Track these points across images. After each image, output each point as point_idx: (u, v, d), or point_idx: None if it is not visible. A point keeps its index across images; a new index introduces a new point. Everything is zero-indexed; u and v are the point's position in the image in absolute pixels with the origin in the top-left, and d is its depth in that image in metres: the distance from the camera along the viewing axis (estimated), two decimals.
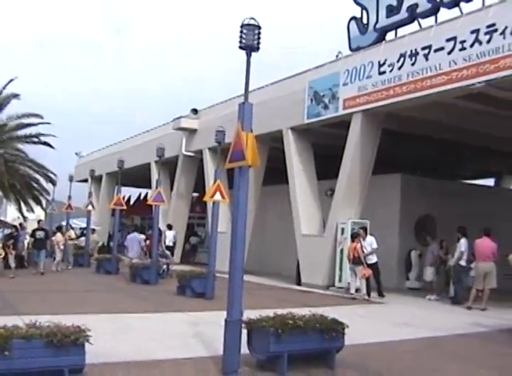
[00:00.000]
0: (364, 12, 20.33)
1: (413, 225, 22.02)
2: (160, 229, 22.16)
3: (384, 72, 17.62)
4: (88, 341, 6.85)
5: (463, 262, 16.98)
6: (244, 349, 7.86)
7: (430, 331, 11.79)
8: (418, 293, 19.08)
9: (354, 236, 17.72)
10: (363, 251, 17.39)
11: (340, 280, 19.16)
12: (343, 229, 19.26)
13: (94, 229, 30.33)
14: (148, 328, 11.00)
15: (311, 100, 20.42)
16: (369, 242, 17.70)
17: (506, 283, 16.49)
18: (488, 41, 14.60)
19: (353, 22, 20.69)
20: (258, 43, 8.19)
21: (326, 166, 20.89)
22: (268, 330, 7.69)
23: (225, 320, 7.82)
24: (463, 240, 17.00)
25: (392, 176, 22.13)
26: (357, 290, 17.41)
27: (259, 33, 8.18)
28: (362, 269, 17.17)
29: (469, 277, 17.13)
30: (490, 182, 33.95)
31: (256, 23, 8.17)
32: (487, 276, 15.92)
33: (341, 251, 19.08)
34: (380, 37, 19.48)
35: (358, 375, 8.17)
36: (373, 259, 17.65)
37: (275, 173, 23.51)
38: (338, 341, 8.21)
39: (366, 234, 18.11)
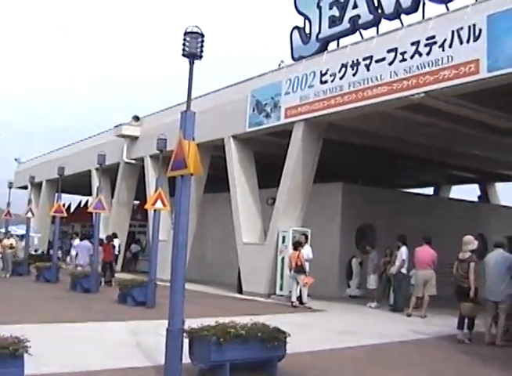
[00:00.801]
0: (307, 22, 20.53)
1: (354, 233, 22.20)
2: (101, 239, 21.84)
3: (326, 82, 17.76)
4: (27, 352, 6.65)
5: (404, 270, 17.21)
6: (186, 358, 7.77)
7: (371, 339, 11.88)
8: (359, 301, 19.23)
9: (296, 245, 17.76)
10: (310, 259, 17.49)
11: (281, 289, 19.15)
12: (284, 238, 19.30)
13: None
14: (89, 337, 10.77)
15: (254, 109, 20.46)
16: (307, 252, 17.74)
17: (446, 291, 16.74)
18: (428, 53, 14.89)
19: (296, 31, 20.87)
20: (201, 51, 8.16)
21: (268, 174, 20.95)
22: (210, 339, 7.61)
23: (167, 329, 7.73)
24: (403, 249, 17.21)
25: (333, 185, 22.29)
26: (298, 298, 17.46)
27: (202, 41, 8.16)
28: (304, 278, 17.24)
29: (409, 285, 17.37)
30: (429, 191, 34.57)
31: (199, 31, 8.14)
32: (427, 284, 16.18)
33: (282, 259, 19.10)
34: (323, 48, 19.71)
35: None
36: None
37: (217, 181, 23.47)
38: (280, 350, 8.16)
39: (306, 243, 18.18)
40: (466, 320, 12.07)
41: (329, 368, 9.06)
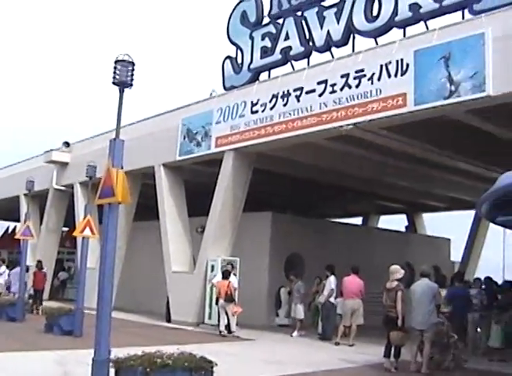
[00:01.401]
0: (239, 51, 20.70)
1: (283, 262, 22.25)
2: (27, 266, 21.29)
3: (257, 111, 17.87)
4: None
5: (332, 299, 17.33)
6: None
7: (298, 368, 11.86)
8: (288, 329, 19.20)
9: (226, 274, 17.67)
10: (235, 289, 17.42)
11: (209, 318, 19.01)
12: (213, 266, 19.20)
13: None
14: (13, 368, 10.43)
15: (184, 137, 20.41)
16: (232, 281, 17.65)
17: (373, 320, 16.91)
18: (357, 86, 15.17)
19: (228, 61, 21.04)
20: (132, 79, 8.15)
21: (198, 203, 20.85)
22: (137, 369, 7.46)
23: (93, 359, 7.56)
24: (332, 278, 17.35)
25: (263, 214, 22.34)
26: (226, 327, 17.37)
27: (133, 69, 8.14)
28: (232, 307, 17.16)
29: (336, 314, 17.50)
30: (358, 220, 35.06)
31: (130, 60, 8.13)
32: (354, 313, 16.33)
33: (211, 288, 18.97)
34: (254, 78, 19.90)
35: None
36: None
37: (147, 209, 23.24)
38: None
39: (232, 272, 18.07)
40: (392, 349, 12.20)
41: None
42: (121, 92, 8.18)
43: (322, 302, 17.41)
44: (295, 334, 18.06)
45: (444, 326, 12.67)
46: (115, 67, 8.09)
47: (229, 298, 17.21)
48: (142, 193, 22.78)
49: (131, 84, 8.18)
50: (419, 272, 13.42)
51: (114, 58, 8.19)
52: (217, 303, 17.86)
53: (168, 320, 20.47)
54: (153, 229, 22.44)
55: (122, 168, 7.98)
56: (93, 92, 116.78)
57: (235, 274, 18.22)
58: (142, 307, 24.69)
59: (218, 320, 17.82)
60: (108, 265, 7.84)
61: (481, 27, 13.15)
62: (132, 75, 8.14)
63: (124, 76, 8.08)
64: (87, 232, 15.66)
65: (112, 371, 7.66)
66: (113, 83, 8.16)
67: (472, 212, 28.13)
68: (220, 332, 17.30)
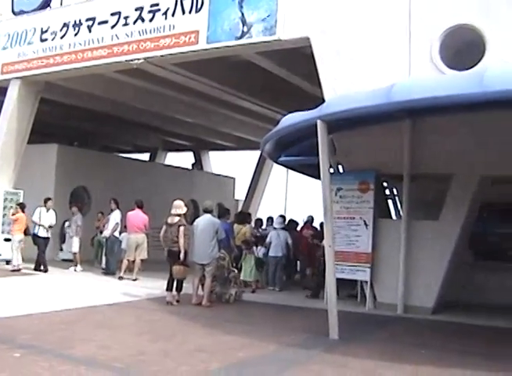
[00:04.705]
0: None
1: (68, 196, 21.78)
2: None
3: (46, 40, 17.13)
4: None
5: (117, 233, 17.34)
6: None
7: (83, 302, 11.82)
8: (71, 264, 18.92)
9: (22, 206, 17.06)
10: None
11: None
12: None
13: None
14: None
15: None
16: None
17: (157, 255, 17.18)
18: (151, 20, 15.02)
19: None
20: None
21: None
22: None
23: None
24: (116, 212, 17.33)
25: (49, 146, 21.63)
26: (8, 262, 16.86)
27: None
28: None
29: (121, 248, 17.57)
30: (146, 156, 35.00)
31: None
32: (138, 248, 16.49)
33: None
34: (46, 3, 18.83)
35: (7, 349, 7.83)
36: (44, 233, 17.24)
37: None
38: None
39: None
40: (175, 283, 12.52)
41: (41, 332, 8.86)
42: None
43: (107, 236, 17.36)
44: (77, 268, 17.84)
45: (225, 260, 13.20)
46: None
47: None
48: None
49: None
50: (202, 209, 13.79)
51: None
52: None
53: None
54: None
55: None
56: None
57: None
58: None
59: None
60: None
61: None
62: None
63: None
64: None
65: None
66: None
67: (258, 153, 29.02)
68: (13, 266, 16.73)
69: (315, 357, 8.22)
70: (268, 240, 16.34)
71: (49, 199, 17.67)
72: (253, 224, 18.37)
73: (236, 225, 16.40)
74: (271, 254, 16.13)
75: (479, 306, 13.44)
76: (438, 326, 11.50)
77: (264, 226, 19.05)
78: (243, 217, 17.49)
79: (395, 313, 12.43)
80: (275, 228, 16.77)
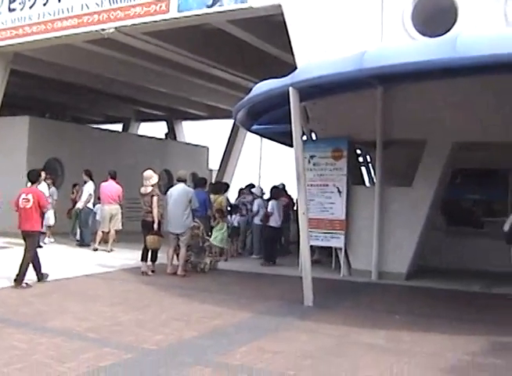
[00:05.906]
0: None
1: (42, 168, 21.53)
2: None
3: (15, 10, 16.78)
4: None
5: (90, 205, 17.25)
6: None
7: (59, 274, 11.74)
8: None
9: None
10: None
11: None
12: None
13: None
14: None
15: None
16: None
17: (131, 225, 17.14)
18: None
19: None
20: None
21: None
22: None
23: None
24: (89, 183, 17.21)
25: (20, 119, 21.30)
26: None
27: None
28: None
29: (95, 220, 17.49)
30: (119, 127, 34.72)
31: None
32: (112, 219, 16.44)
33: None
34: None
35: None
36: None
37: None
38: None
39: None
40: (149, 253, 12.51)
41: (16, 304, 8.85)
42: None
43: (81, 208, 17.26)
44: (47, 240, 17.65)
45: (199, 229, 13.20)
46: None
47: None
48: None
49: None
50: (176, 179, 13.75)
51: None
52: None
53: None
54: None
55: None
56: None
57: None
58: None
59: None
60: None
61: None
62: None
63: None
64: None
65: None
66: None
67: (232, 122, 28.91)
68: None
69: (289, 324, 8.29)
70: (255, 208, 16.22)
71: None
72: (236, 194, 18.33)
73: (211, 195, 16.33)
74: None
75: (452, 271, 13.65)
76: (411, 291, 11.66)
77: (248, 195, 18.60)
78: (219, 187, 17.42)
79: (370, 280, 12.59)
80: (265, 199, 16.55)
